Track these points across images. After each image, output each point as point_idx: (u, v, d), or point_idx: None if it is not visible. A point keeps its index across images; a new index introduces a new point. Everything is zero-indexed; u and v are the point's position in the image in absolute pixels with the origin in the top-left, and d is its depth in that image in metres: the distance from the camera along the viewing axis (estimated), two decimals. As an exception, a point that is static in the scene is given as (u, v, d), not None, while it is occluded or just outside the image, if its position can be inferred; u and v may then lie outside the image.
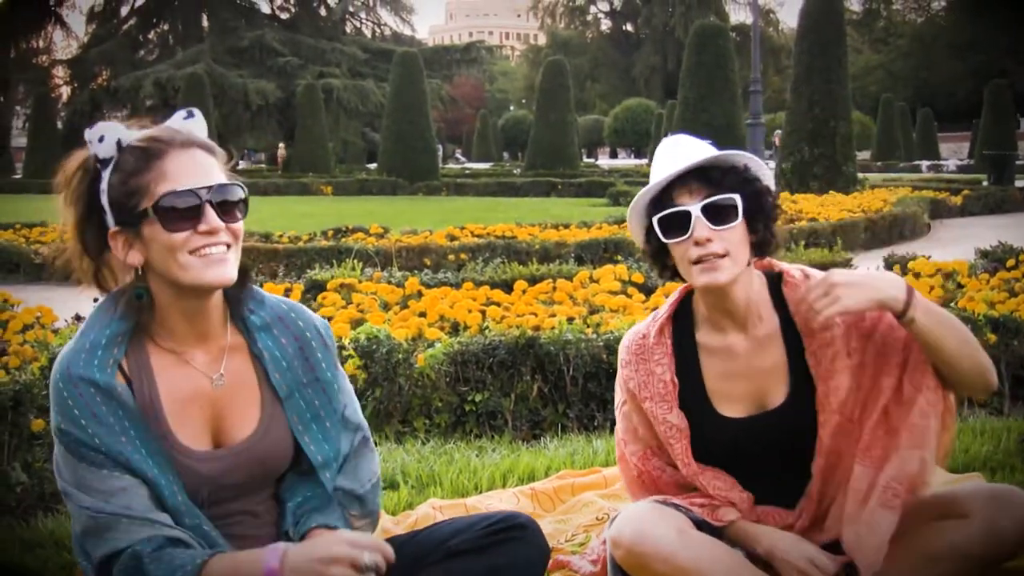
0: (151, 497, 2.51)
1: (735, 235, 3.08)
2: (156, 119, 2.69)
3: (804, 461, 3.22)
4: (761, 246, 3.17)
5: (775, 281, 3.26)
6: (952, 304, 6.77)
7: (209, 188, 2.52)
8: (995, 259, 9.63)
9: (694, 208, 3.05)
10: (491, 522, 2.80)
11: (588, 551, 3.61)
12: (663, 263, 3.24)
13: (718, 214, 3.05)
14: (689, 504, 3.20)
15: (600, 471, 4.71)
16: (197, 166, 2.54)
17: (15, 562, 3.85)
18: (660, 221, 3.11)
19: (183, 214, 2.49)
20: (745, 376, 3.21)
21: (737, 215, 3.07)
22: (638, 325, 3.38)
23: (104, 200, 2.56)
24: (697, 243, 3.05)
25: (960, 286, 7.94)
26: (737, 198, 3.07)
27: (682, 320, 3.30)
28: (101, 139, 2.55)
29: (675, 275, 3.23)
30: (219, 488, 2.63)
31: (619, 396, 3.39)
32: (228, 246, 2.55)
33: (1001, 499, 3.11)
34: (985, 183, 32.37)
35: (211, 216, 2.50)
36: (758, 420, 3.21)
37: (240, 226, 2.59)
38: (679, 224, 3.07)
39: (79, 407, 2.48)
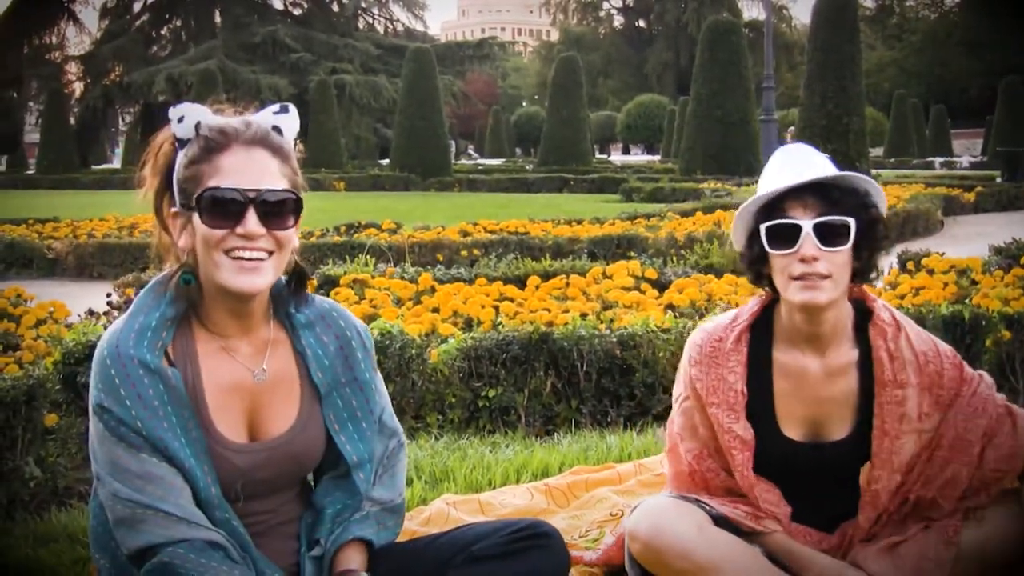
0: (186, 492, 2.50)
1: (841, 258, 3.02)
2: (254, 107, 2.68)
3: (849, 494, 3.21)
4: (861, 273, 3.12)
5: (862, 315, 3.21)
6: (966, 301, 6.75)
7: (257, 191, 2.49)
8: (1009, 256, 9.60)
9: (806, 223, 2.99)
10: (515, 529, 2.79)
11: (602, 546, 3.60)
12: (758, 271, 3.17)
13: (829, 234, 2.99)
14: (734, 506, 3.19)
15: (614, 467, 4.71)
16: (253, 166, 2.52)
17: (29, 557, 3.85)
18: (768, 230, 3.05)
19: (224, 213, 2.48)
20: (812, 400, 3.18)
21: (848, 239, 3.01)
22: (712, 325, 3.32)
23: (175, 174, 2.56)
24: (803, 260, 2.99)
25: (974, 283, 7.91)
26: (852, 222, 3.01)
27: (759, 331, 3.24)
28: (181, 119, 2.55)
29: (768, 284, 3.18)
30: (251, 483, 2.63)
31: (680, 390, 3.34)
32: (270, 253, 2.52)
33: (1016, 501, 3.11)
34: (999, 180, 32.30)
35: (251, 220, 2.48)
36: (817, 448, 3.19)
37: (288, 234, 2.55)
38: (787, 236, 3.01)
39: (125, 386, 2.48)
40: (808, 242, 2.98)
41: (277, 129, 2.61)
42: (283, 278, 2.70)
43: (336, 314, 2.81)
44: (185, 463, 2.49)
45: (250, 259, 2.49)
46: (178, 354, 2.59)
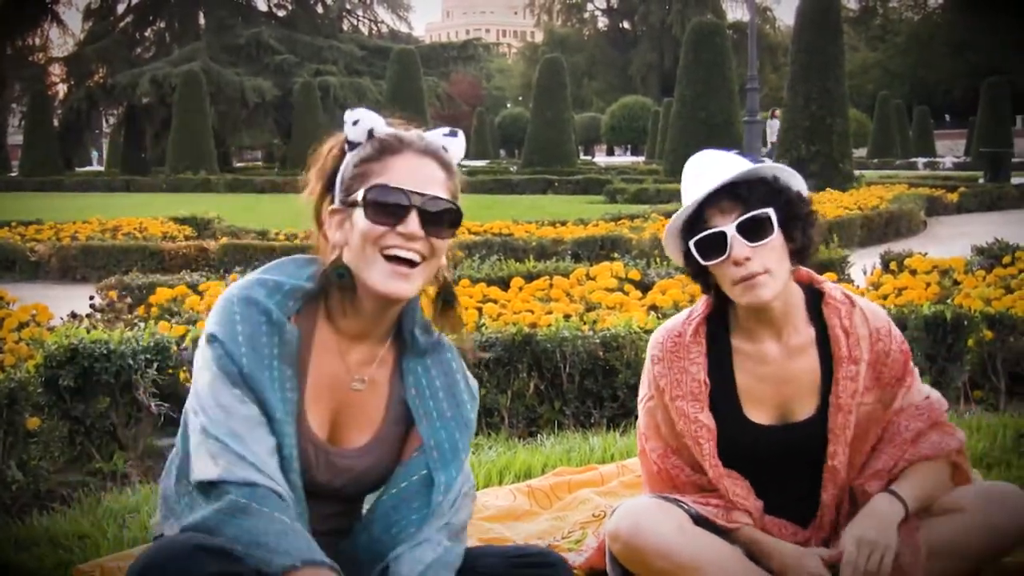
0: (265, 444, 2.49)
1: (773, 249, 3.05)
2: (421, 127, 2.76)
3: (818, 479, 3.23)
4: (800, 252, 3.15)
5: (814, 296, 3.25)
6: (948, 301, 6.77)
7: (423, 196, 2.55)
8: (991, 256, 9.62)
9: (729, 228, 3.03)
10: (523, 554, 2.79)
11: (584, 548, 3.60)
12: (706, 282, 3.22)
13: (753, 231, 3.03)
14: (705, 503, 3.20)
15: (596, 468, 4.71)
16: (422, 172, 2.59)
17: (10, 561, 3.83)
18: (697, 244, 3.08)
19: (388, 209, 2.53)
20: (776, 382, 3.21)
21: (773, 229, 3.05)
22: (671, 322, 3.35)
23: (339, 177, 2.63)
24: (736, 263, 3.02)
25: (956, 283, 7.95)
26: (771, 211, 3.05)
27: (716, 321, 3.27)
28: (355, 123, 2.64)
29: (719, 293, 3.20)
30: (310, 481, 2.61)
31: (645, 391, 3.37)
32: (423, 258, 2.56)
33: (996, 495, 3.14)
34: (981, 180, 32.38)
35: (413, 221, 2.53)
36: (784, 430, 3.21)
37: (443, 243, 2.60)
38: (716, 245, 3.05)
39: (243, 325, 2.51)
40: (736, 244, 3.02)
41: (444, 149, 2.69)
42: (419, 307, 2.73)
43: (451, 354, 2.81)
44: (276, 414, 2.50)
45: (404, 259, 2.53)
46: (299, 327, 2.60)
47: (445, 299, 2.75)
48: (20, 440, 4.67)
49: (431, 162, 2.62)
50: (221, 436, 2.46)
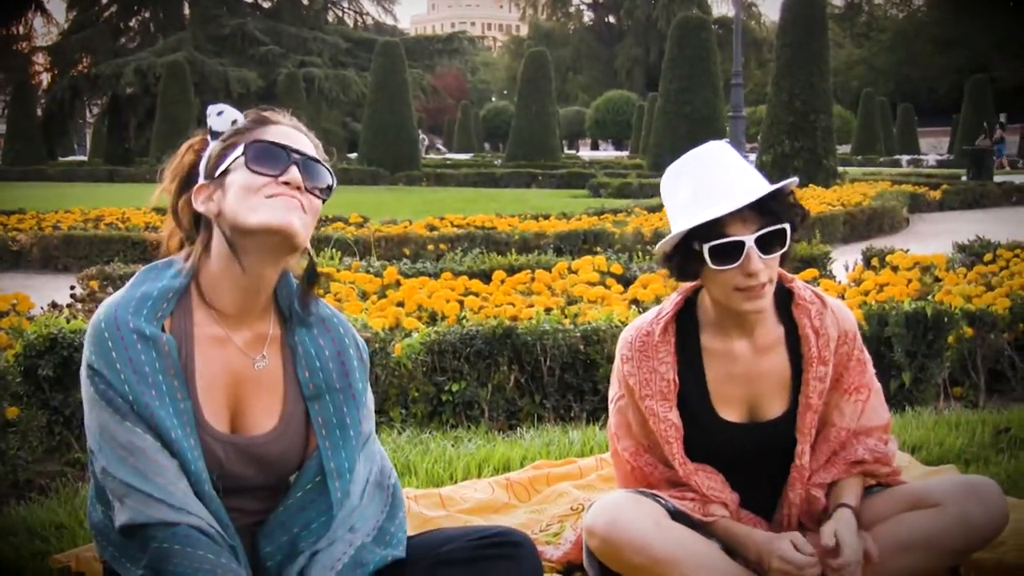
0: (169, 470, 2.45)
1: (777, 261, 3.07)
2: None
3: (785, 476, 3.25)
4: (785, 255, 3.14)
5: (783, 295, 3.25)
6: (929, 298, 6.79)
7: (301, 154, 2.58)
8: (972, 253, 9.66)
9: (748, 239, 2.99)
10: (485, 535, 2.73)
11: (562, 541, 3.60)
12: (688, 271, 3.18)
13: (770, 244, 3.02)
14: (681, 497, 3.20)
15: (575, 461, 4.72)
16: (298, 138, 2.63)
17: (-13, 550, 3.83)
18: (711, 249, 3.02)
19: (269, 161, 2.54)
20: (745, 380, 3.22)
21: (786, 242, 3.05)
22: (639, 321, 3.34)
23: (202, 164, 2.64)
24: (749, 274, 3.00)
25: (937, 280, 7.96)
26: (787, 227, 3.04)
27: (685, 319, 3.27)
28: (220, 113, 2.66)
29: (693, 278, 3.20)
30: (226, 476, 2.57)
31: (615, 390, 3.36)
32: (304, 209, 2.55)
33: (973, 489, 3.15)
34: (964, 178, 32.49)
35: (294, 171, 2.54)
36: (756, 428, 3.23)
37: (317, 204, 2.60)
38: (729, 253, 3.00)
39: (117, 350, 2.47)
40: (753, 255, 2.99)
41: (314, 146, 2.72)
42: (293, 278, 2.71)
43: (336, 321, 2.78)
44: (171, 432, 2.46)
45: (289, 196, 2.52)
46: (175, 329, 2.57)
47: (309, 280, 2.72)
48: (-2, 429, 4.67)
49: (303, 136, 2.66)
50: (123, 477, 2.43)
